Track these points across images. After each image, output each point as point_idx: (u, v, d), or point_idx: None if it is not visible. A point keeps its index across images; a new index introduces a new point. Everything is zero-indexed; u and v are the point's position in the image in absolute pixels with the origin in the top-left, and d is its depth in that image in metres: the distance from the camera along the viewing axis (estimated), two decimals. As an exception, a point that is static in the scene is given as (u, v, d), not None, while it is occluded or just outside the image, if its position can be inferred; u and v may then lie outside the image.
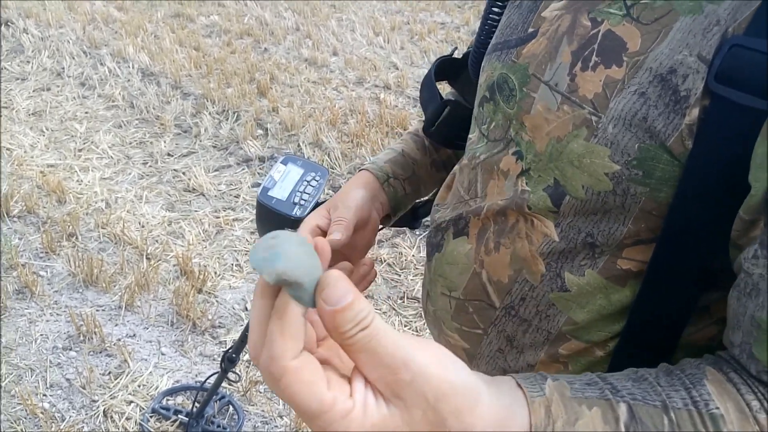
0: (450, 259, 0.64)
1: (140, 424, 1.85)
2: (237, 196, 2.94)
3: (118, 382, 1.98)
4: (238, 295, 2.35)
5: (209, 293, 2.35)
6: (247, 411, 1.91)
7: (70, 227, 2.62)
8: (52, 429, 1.82)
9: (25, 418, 1.86)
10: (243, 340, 1.51)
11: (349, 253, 0.74)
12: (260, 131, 3.50)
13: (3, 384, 1.96)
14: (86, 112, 3.66)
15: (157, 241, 2.61)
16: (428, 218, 0.79)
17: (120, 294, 2.31)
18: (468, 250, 0.62)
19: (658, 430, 0.41)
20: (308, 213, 0.81)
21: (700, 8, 0.46)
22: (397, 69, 4.34)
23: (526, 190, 0.56)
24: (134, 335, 2.16)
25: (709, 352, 0.48)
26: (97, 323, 2.15)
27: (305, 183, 0.91)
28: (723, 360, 0.46)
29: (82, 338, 2.13)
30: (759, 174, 0.42)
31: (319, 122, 3.54)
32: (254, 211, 2.83)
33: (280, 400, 1.95)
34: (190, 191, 2.96)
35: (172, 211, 2.81)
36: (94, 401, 1.92)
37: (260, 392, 1.97)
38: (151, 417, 1.87)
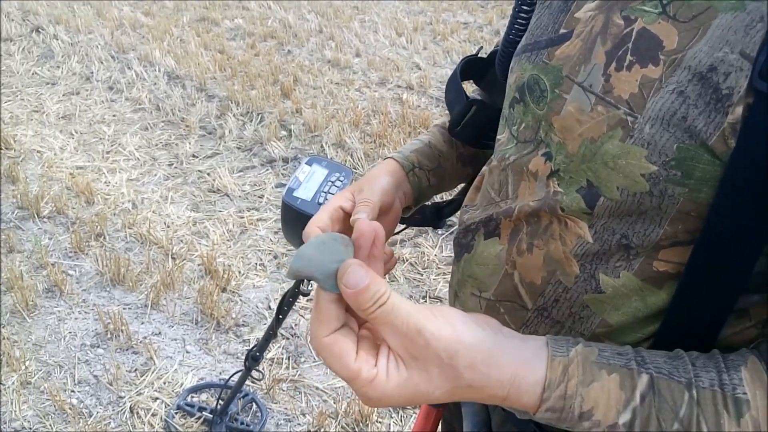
0: (480, 260, 0.64)
1: (166, 421, 1.87)
2: (261, 197, 2.97)
3: (144, 379, 2.00)
4: (261, 294, 2.37)
5: (233, 292, 2.37)
6: (270, 408, 1.92)
7: (98, 227, 2.67)
8: (80, 424, 1.85)
9: (54, 413, 1.90)
10: (267, 338, 1.51)
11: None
12: (284, 132, 3.52)
13: (32, 380, 2.00)
14: (114, 115, 3.73)
15: (182, 240, 2.64)
16: (452, 218, 0.78)
17: (146, 293, 2.34)
18: (499, 251, 0.61)
19: (675, 404, 0.43)
20: None
21: (743, 6, 0.45)
22: (420, 69, 4.34)
23: (559, 192, 0.55)
24: (160, 333, 2.19)
25: None
26: (123, 321, 2.18)
27: (330, 183, 0.92)
28: None
29: (109, 336, 2.17)
30: None
31: (342, 123, 3.55)
32: (278, 212, 2.85)
33: (302, 399, 1.96)
34: (214, 192, 3.00)
35: (197, 212, 2.85)
36: (121, 397, 1.95)
37: (283, 390, 1.98)
38: (176, 414, 1.89)
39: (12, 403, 1.91)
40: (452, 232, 2.68)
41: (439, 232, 2.68)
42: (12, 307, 2.26)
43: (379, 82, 4.17)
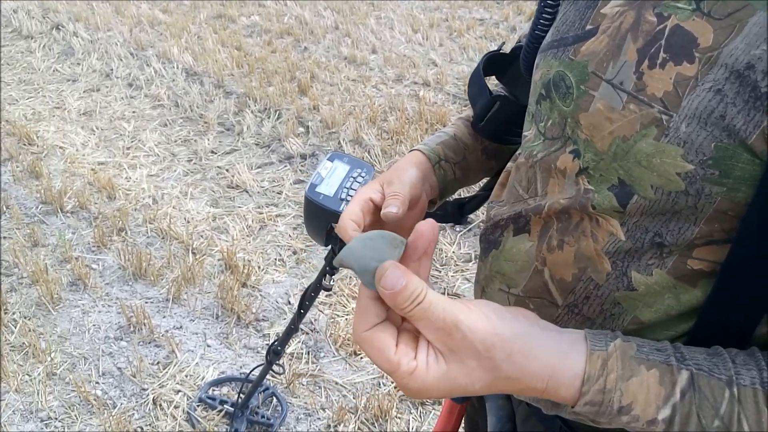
0: (509, 256, 0.64)
1: (188, 413, 1.90)
2: (279, 193, 2.99)
3: (167, 372, 2.04)
4: (281, 289, 2.39)
5: (253, 287, 2.39)
6: (290, 403, 1.94)
7: (120, 222, 2.71)
8: (105, 415, 1.89)
9: (79, 404, 1.94)
10: (288, 333, 1.53)
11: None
12: (301, 129, 3.54)
13: (58, 371, 2.04)
14: (134, 112, 3.77)
15: (202, 236, 2.67)
16: (472, 215, 0.77)
17: (167, 287, 2.38)
18: (529, 247, 0.61)
19: (716, 401, 0.43)
20: None
21: None
22: (436, 66, 4.33)
23: (590, 189, 0.55)
24: (181, 327, 2.22)
25: None
26: (146, 315, 2.22)
27: (351, 179, 0.92)
28: None
29: (132, 329, 2.20)
30: None
31: (359, 120, 3.56)
32: (297, 208, 2.87)
33: (322, 394, 1.98)
34: (233, 188, 3.02)
35: (216, 207, 2.88)
36: (144, 389, 1.98)
37: (303, 385, 2.01)
38: (198, 406, 1.92)
39: (38, 394, 1.95)
40: (470, 229, 2.68)
41: (457, 228, 2.69)
42: (37, 300, 2.30)
43: (395, 79, 4.17)
